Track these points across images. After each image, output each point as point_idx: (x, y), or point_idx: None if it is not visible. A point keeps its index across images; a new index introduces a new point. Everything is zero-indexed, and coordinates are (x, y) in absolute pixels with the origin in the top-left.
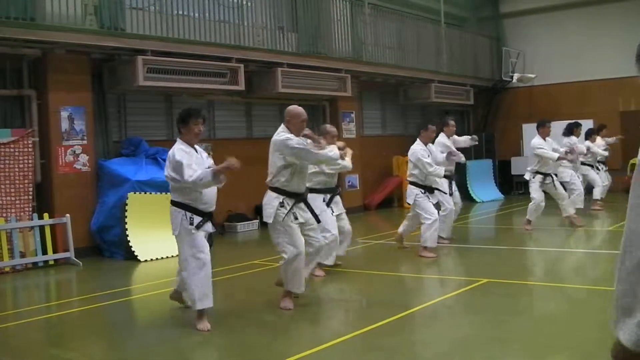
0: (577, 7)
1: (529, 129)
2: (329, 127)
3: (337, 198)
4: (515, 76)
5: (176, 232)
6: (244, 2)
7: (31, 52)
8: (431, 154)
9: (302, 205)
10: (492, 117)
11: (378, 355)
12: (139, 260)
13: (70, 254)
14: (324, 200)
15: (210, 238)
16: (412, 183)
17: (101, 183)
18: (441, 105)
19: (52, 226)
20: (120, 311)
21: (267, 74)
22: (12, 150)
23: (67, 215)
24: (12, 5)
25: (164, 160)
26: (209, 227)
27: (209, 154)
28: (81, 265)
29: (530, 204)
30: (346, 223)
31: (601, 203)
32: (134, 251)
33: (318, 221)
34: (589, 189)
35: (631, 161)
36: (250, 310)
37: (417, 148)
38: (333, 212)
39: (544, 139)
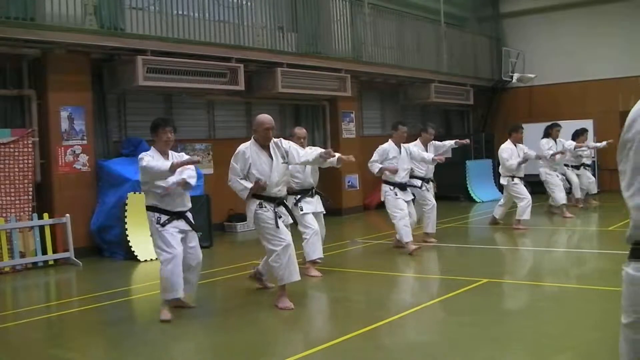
0: (577, 7)
1: (529, 129)
2: (297, 129)
3: (310, 198)
4: (515, 76)
5: (150, 233)
6: (244, 2)
7: (31, 52)
8: (405, 152)
9: (281, 208)
10: (492, 117)
11: (378, 355)
12: (139, 260)
13: (70, 254)
14: (295, 200)
15: (185, 237)
16: (383, 181)
17: (101, 183)
18: (441, 105)
19: (52, 226)
20: (120, 311)
21: (267, 74)
22: (12, 150)
23: (67, 215)
24: (12, 5)
25: None
26: (179, 224)
27: (208, 153)
28: (81, 265)
29: (522, 203)
30: (320, 224)
31: (588, 201)
32: (133, 251)
33: (295, 223)
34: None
35: None
36: (250, 310)
37: (386, 146)
38: (303, 210)
39: (515, 145)
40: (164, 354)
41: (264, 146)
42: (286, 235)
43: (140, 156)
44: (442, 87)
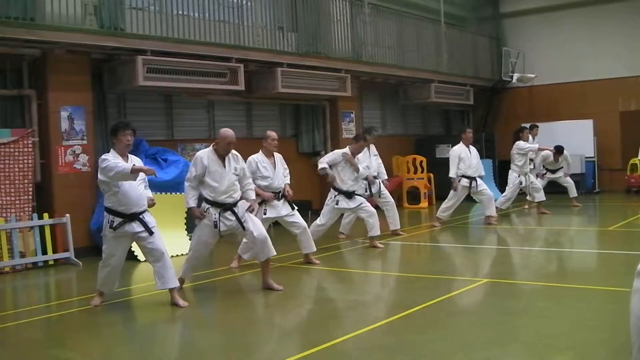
0: (577, 7)
1: None
2: (269, 132)
3: (277, 202)
4: (515, 76)
5: (102, 233)
6: (244, 2)
7: (31, 52)
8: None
9: (227, 214)
10: (492, 117)
11: (378, 355)
12: (139, 260)
13: (70, 254)
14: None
15: (139, 238)
16: (332, 186)
17: None
18: (441, 105)
19: (52, 226)
20: (120, 311)
21: (267, 74)
22: (12, 150)
23: (67, 215)
24: (12, 5)
25: (164, 160)
26: (132, 227)
27: None
28: (81, 265)
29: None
30: (297, 224)
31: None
32: (133, 251)
33: (243, 228)
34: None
35: (631, 161)
36: (249, 310)
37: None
38: (265, 214)
39: (467, 146)
40: (164, 354)
41: (221, 156)
42: (204, 246)
43: (102, 157)
44: (442, 87)
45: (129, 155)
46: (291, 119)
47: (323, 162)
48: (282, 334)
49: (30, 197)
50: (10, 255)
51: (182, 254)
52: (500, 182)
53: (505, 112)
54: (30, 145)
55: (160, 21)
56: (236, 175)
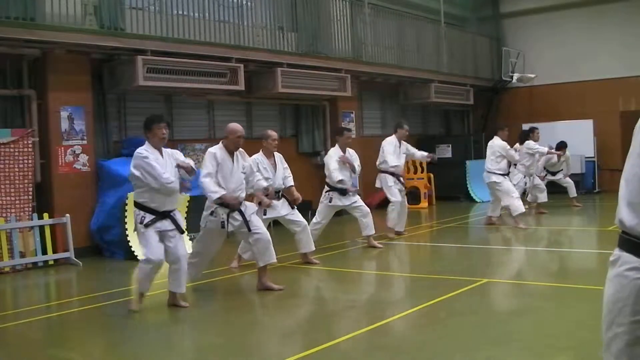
0: (577, 7)
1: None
2: (270, 131)
3: (276, 202)
4: (515, 76)
5: (134, 231)
6: (244, 2)
7: (31, 52)
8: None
9: (234, 214)
10: (492, 117)
11: (378, 355)
12: (139, 260)
13: (70, 254)
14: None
15: (165, 236)
16: (326, 183)
17: (101, 183)
18: (441, 105)
19: (52, 226)
20: (120, 311)
21: (267, 74)
22: (12, 150)
23: (67, 215)
24: (12, 5)
25: None
26: (164, 225)
27: None
28: (81, 265)
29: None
30: (297, 223)
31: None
32: (133, 251)
33: (249, 229)
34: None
35: None
36: (249, 310)
37: (332, 152)
38: (265, 214)
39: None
40: (164, 354)
41: (231, 152)
42: (211, 246)
43: (141, 154)
44: (442, 87)
45: (163, 149)
46: (291, 119)
47: (336, 171)
48: (282, 334)
49: (30, 197)
50: (10, 255)
51: None
52: None
53: (505, 112)
54: (30, 145)
55: (160, 21)
56: (243, 173)
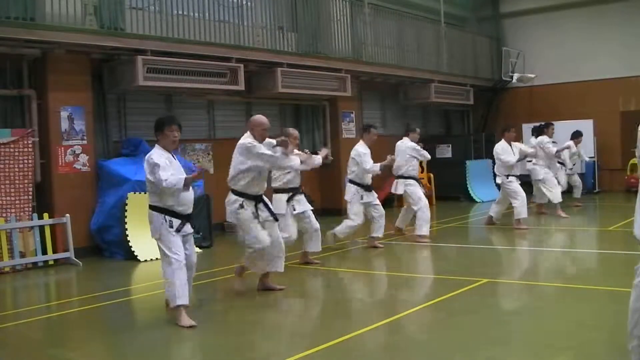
0: (577, 7)
1: (529, 129)
2: (292, 130)
3: (300, 197)
4: (515, 76)
5: (157, 236)
6: (244, 2)
7: (31, 52)
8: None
9: (261, 205)
10: (492, 117)
11: (378, 355)
12: (139, 260)
13: (70, 254)
14: (287, 200)
15: (189, 239)
16: (350, 181)
17: (101, 183)
18: (441, 105)
19: (52, 226)
20: (120, 311)
21: (267, 74)
22: (12, 150)
23: (67, 215)
24: (12, 5)
25: None
26: (187, 228)
27: (208, 153)
28: (81, 265)
29: (517, 202)
30: (312, 222)
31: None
32: (133, 251)
33: (276, 219)
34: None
35: (631, 161)
36: (250, 310)
37: (360, 149)
38: (295, 209)
39: (509, 143)
40: (164, 354)
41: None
42: (260, 236)
43: (152, 160)
44: (442, 87)
45: (173, 154)
46: (291, 119)
47: (370, 163)
48: (283, 334)
49: (30, 197)
50: (10, 255)
51: None
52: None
53: (505, 112)
54: (30, 145)
55: (160, 21)
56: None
